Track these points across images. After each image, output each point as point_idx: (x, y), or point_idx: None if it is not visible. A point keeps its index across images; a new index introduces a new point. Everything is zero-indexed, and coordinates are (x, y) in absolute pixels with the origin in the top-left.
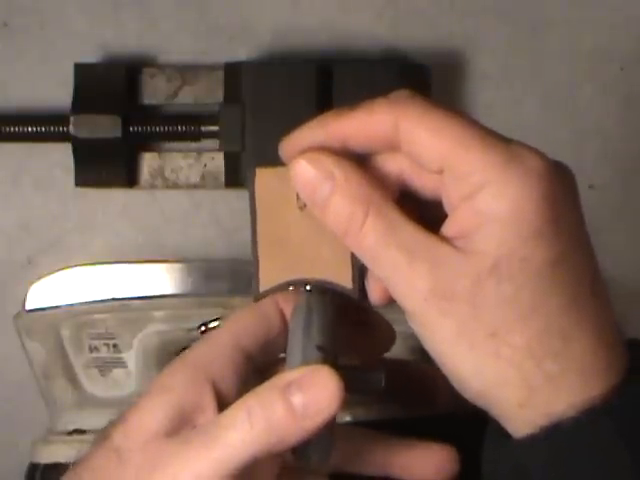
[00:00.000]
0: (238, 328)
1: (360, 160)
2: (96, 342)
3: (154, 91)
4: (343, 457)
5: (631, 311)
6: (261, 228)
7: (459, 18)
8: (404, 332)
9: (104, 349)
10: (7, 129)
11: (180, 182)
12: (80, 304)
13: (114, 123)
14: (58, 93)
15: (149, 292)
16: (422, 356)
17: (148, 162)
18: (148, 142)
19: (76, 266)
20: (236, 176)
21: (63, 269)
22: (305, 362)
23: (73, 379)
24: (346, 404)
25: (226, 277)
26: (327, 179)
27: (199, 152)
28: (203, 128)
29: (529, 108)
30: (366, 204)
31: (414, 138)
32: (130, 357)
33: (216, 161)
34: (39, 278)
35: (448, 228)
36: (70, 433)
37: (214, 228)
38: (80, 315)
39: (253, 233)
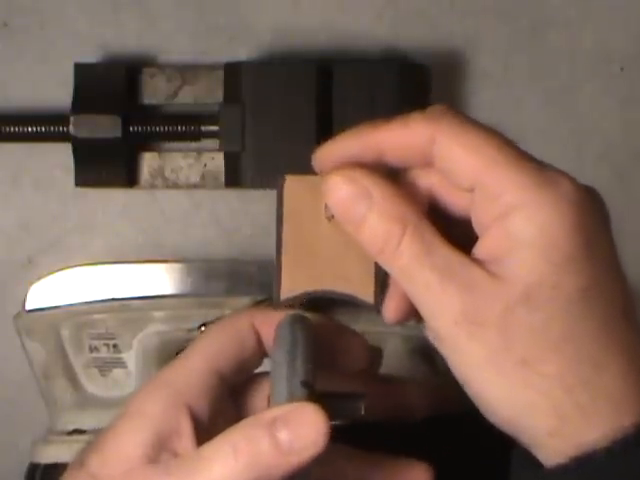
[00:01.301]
0: (212, 350)
1: (391, 175)
2: (96, 342)
3: (154, 91)
4: (319, 477)
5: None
6: (286, 236)
7: (459, 18)
8: (404, 334)
9: (104, 349)
10: (7, 129)
11: (180, 182)
12: (80, 304)
13: (114, 123)
14: (58, 93)
15: (149, 292)
16: (422, 358)
17: (148, 162)
18: (148, 142)
19: (76, 266)
20: (236, 176)
21: (63, 269)
22: (290, 398)
23: (73, 379)
24: None
25: (226, 277)
26: (363, 197)
27: (199, 152)
28: (203, 128)
29: (529, 108)
30: (403, 223)
31: (448, 153)
32: (130, 357)
33: (216, 161)
34: (39, 278)
35: (480, 250)
36: (70, 433)
37: (214, 228)
38: (80, 315)
39: (278, 240)
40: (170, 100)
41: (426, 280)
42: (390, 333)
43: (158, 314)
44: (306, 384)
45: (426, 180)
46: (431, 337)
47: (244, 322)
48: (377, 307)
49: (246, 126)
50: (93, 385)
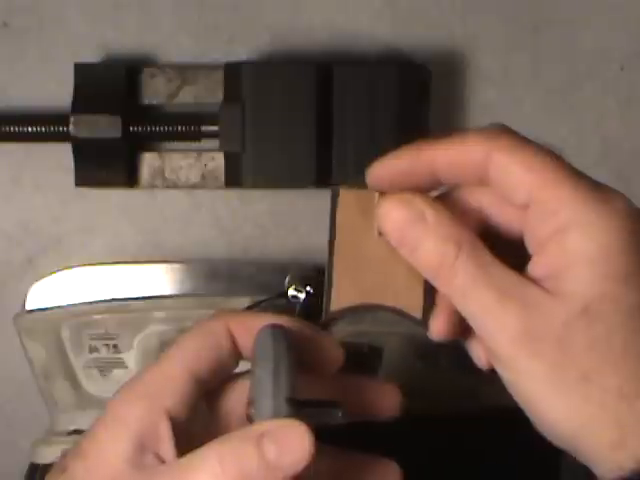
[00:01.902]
0: (189, 354)
1: (441, 195)
2: (96, 342)
3: (154, 91)
4: None
5: None
6: (338, 249)
7: (459, 18)
8: (404, 334)
9: (104, 349)
10: (7, 129)
11: (180, 182)
12: (80, 304)
13: (114, 123)
14: (58, 93)
15: (149, 292)
16: (422, 358)
17: (148, 162)
18: (148, 142)
19: (76, 266)
20: (236, 176)
21: (63, 269)
22: (276, 414)
23: (73, 379)
24: None
25: (226, 277)
26: (418, 221)
27: (199, 152)
28: (203, 128)
29: (529, 108)
30: (458, 244)
31: (505, 170)
32: (130, 357)
33: (216, 161)
34: (39, 278)
35: (536, 268)
36: (70, 433)
37: (214, 228)
38: (80, 315)
39: (330, 253)
40: (170, 100)
41: (483, 300)
42: (390, 333)
43: (158, 314)
44: (291, 400)
45: (476, 198)
46: (490, 358)
47: (219, 326)
48: (425, 323)
49: (246, 126)
50: (93, 385)
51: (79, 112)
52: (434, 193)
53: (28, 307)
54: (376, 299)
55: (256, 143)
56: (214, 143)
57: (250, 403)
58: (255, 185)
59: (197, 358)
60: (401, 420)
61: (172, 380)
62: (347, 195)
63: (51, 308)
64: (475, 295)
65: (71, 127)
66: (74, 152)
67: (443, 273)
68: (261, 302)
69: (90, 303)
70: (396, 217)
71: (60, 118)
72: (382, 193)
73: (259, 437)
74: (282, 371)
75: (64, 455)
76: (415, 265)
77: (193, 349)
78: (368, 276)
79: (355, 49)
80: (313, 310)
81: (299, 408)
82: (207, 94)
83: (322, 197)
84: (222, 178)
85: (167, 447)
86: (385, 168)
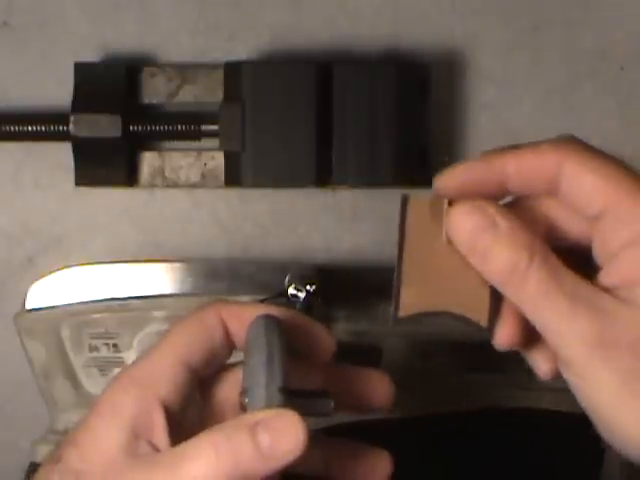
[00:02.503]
0: (182, 343)
1: (509, 204)
2: (96, 342)
3: (154, 90)
4: None
5: None
6: (407, 256)
7: (459, 18)
8: (404, 334)
9: (104, 349)
10: (7, 128)
11: (180, 181)
12: (80, 304)
13: (114, 122)
14: (58, 92)
15: (149, 292)
16: (422, 359)
17: (148, 161)
18: (148, 141)
19: (76, 266)
20: (236, 175)
21: (63, 269)
22: (269, 403)
23: (73, 379)
24: None
25: (226, 277)
26: (489, 228)
27: (199, 151)
28: (203, 127)
29: (529, 108)
30: (530, 251)
31: (577, 179)
32: (130, 357)
33: (216, 160)
34: (39, 278)
35: (607, 278)
36: None
37: (214, 228)
38: (80, 315)
39: (399, 259)
40: (170, 99)
41: (556, 307)
42: (390, 333)
43: (158, 314)
44: (284, 390)
45: (543, 208)
46: (560, 366)
47: (212, 315)
48: (490, 331)
49: (246, 126)
50: (93, 385)
51: (79, 111)
52: (501, 202)
53: (28, 306)
54: (442, 306)
55: (256, 142)
56: (214, 142)
57: (243, 392)
58: (255, 184)
59: (189, 347)
60: (400, 420)
61: (165, 370)
62: (416, 202)
63: (51, 307)
64: (547, 302)
65: (71, 126)
66: (74, 151)
67: (514, 280)
68: (261, 301)
69: (90, 302)
70: (467, 224)
71: (60, 117)
72: (451, 201)
73: (253, 426)
74: (275, 361)
75: (57, 446)
76: (484, 272)
77: (186, 339)
78: (435, 283)
79: (355, 49)
80: (313, 309)
81: (292, 398)
82: (207, 93)
83: (322, 197)
84: (222, 177)
85: (161, 436)
86: (455, 177)
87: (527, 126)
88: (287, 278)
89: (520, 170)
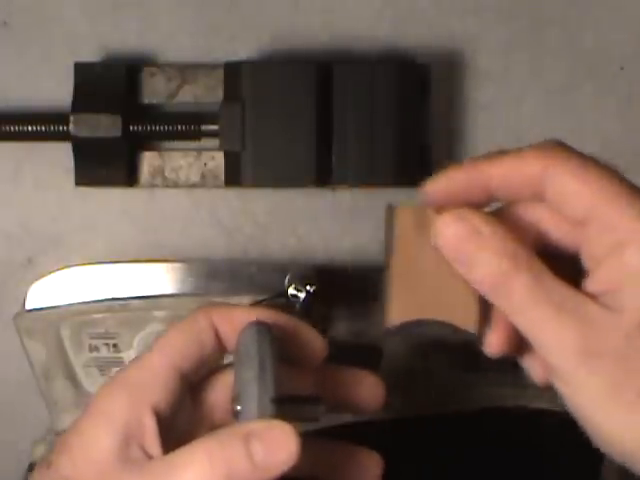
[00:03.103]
0: (173, 348)
1: (496, 211)
2: (96, 342)
3: (154, 90)
4: None
5: None
6: (395, 265)
7: (459, 18)
8: (404, 334)
9: (104, 349)
10: (7, 128)
11: (180, 181)
12: (80, 304)
13: (114, 122)
14: (58, 92)
15: (149, 292)
16: (423, 359)
17: (148, 161)
18: (148, 141)
19: (76, 266)
20: (236, 175)
21: (63, 269)
22: (261, 413)
23: (73, 379)
24: None
25: (226, 277)
26: (474, 236)
27: (199, 151)
28: (203, 127)
29: (529, 108)
30: (514, 259)
31: (562, 185)
32: (130, 357)
33: (216, 160)
34: (39, 278)
35: (593, 284)
36: None
37: (214, 228)
38: (80, 315)
39: (387, 268)
40: (170, 99)
41: (541, 315)
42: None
43: (158, 314)
44: (276, 400)
45: (530, 214)
46: (547, 373)
47: (203, 320)
48: (480, 339)
49: (246, 125)
50: (93, 385)
51: (79, 111)
52: (487, 209)
53: (28, 307)
54: (431, 314)
55: (256, 142)
56: (214, 142)
57: (235, 399)
58: (255, 184)
59: (180, 352)
60: (400, 420)
61: (156, 375)
62: (403, 211)
63: (51, 307)
64: (532, 310)
65: (71, 126)
66: (74, 151)
67: (499, 288)
68: (261, 301)
69: (90, 302)
70: (452, 233)
71: (60, 117)
72: (438, 209)
73: (246, 436)
74: (267, 370)
75: (49, 451)
76: (471, 281)
77: (176, 343)
78: (424, 291)
79: (355, 49)
80: (313, 309)
81: (284, 406)
82: (207, 93)
83: (322, 197)
84: (222, 177)
85: (152, 441)
86: (440, 184)
87: (527, 126)
88: (287, 278)
89: (505, 177)
